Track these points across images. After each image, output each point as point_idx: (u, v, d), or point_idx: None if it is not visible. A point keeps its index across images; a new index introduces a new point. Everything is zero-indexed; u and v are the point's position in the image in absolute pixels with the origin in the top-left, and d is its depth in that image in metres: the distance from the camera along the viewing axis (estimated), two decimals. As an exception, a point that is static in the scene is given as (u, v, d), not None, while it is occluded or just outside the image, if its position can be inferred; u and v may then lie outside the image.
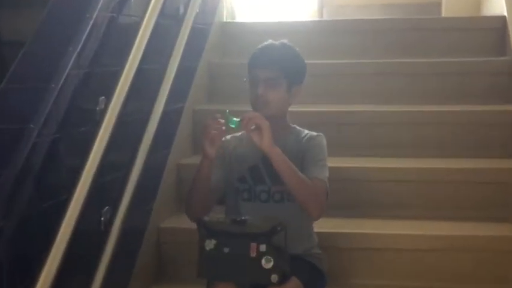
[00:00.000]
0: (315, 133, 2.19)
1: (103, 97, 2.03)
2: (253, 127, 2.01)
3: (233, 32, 3.40)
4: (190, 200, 2.13)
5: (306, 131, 2.20)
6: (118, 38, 2.17)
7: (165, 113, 2.42)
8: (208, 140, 2.03)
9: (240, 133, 2.22)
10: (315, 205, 2.07)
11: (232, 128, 2.03)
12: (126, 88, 2.05)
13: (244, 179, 2.17)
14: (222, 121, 2.02)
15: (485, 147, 2.79)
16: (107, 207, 2.10)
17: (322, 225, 2.26)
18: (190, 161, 2.73)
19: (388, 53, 3.24)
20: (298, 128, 2.22)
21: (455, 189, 2.60)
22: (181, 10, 2.68)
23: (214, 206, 2.16)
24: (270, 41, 2.19)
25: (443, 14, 4.31)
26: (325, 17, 4.82)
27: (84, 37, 1.92)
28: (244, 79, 2.15)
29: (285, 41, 2.20)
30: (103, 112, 1.98)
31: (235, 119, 2.01)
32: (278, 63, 2.12)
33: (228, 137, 2.20)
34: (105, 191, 2.07)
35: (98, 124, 1.94)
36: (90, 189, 1.84)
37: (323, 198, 2.09)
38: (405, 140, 2.84)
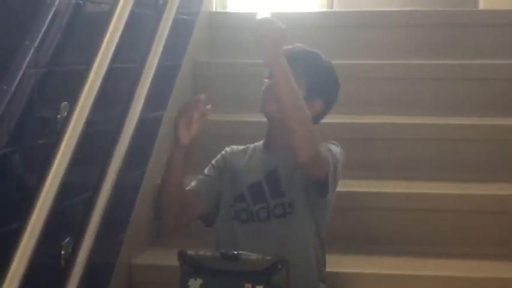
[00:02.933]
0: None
1: (65, 102, 2.03)
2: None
3: (224, 25, 3.42)
4: (162, 201, 2.21)
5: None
6: (85, 30, 2.17)
7: (140, 123, 2.41)
8: (184, 122, 2.09)
9: (242, 147, 2.29)
10: (308, 141, 2.05)
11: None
12: (94, 92, 2.04)
13: (243, 197, 2.22)
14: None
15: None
16: (68, 239, 2.09)
17: (340, 263, 2.31)
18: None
19: (411, 52, 3.27)
20: None
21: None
22: (162, -3, 2.68)
23: (197, 214, 2.24)
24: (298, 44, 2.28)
25: (482, 6, 4.34)
26: (336, 8, 4.84)
27: (43, 28, 1.92)
28: None
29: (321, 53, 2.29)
30: (65, 121, 1.97)
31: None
32: (303, 62, 2.20)
33: (228, 149, 2.30)
34: (66, 218, 2.06)
35: (59, 135, 1.93)
36: (49, 216, 1.83)
37: (316, 139, 2.09)
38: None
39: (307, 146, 2.05)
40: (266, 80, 2.23)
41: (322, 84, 2.25)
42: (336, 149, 2.25)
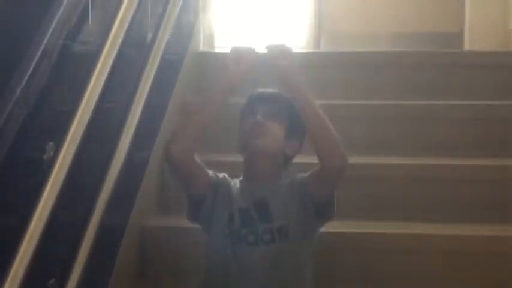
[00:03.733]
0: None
1: (52, 142, 2.01)
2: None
3: (211, 64, 3.41)
4: (186, 123, 2.30)
5: (299, 174, 2.34)
6: (72, 70, 2.16)
7: (127, 164, 2.40)
8: (233, 56, 2.26)
9: (237, 179, 2.35)
10: (338, 148, 2.20)
11: None
12: (81, 132, 2.03)
13: (232, 219, 2.26)
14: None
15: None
16: (52, 280, 2.06)
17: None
18: (158, 223, 2.70)
19: (397, 92, 3.27)
20: (291, 171, 2.36)
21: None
22: (149, 37, 2.69)
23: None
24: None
25: (467, 46, 4.38)
26: (323, 48, 4.87)
27: (31, 68, 1.91)
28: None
29: None
30: (51, 161, 1.96)
31: None
32: (283, 102, 2.30)
33: (221, 175, 2.36)
34: (51, 260, 2.04)
35: (44, 176, 1.92)
36: (33, 259, 1.80)
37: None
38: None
39: (340, 152, 2.20)
40: (248, 119, 2.29)
41: (300, 126, 2.30)
42: None
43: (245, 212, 2.28)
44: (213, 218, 2.31)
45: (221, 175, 2.37)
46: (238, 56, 2.26)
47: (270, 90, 2.36)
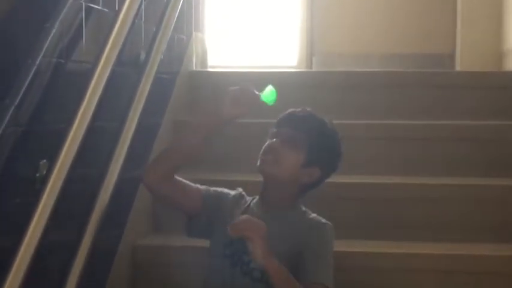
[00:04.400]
0: (323, 220, 2.24)
1: (44, 161, 2.01)
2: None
3: (204, 84, 3.43)
4: (161, 156, 2.27)
5: (313, 215, 2.26)
6: (65, 89, 2.16)
7: (120, 182, 2.39)
8: (230, 97, 2.12)
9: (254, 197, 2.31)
10: None
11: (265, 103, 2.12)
12: (74, 150, 2.02)
13: (232, 243, 2.21)
14: (257, 92, 2.11)
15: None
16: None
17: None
18: (151, 242, 2.69)
19: (388, 113, 3.28)
20: (304, 208, 2.28)
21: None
22: (143, 56, 2.69)
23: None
24: (307, 108, 2.30)
25: (459, 67, 4.40)
26: (315, 68, 4.88)
27: (24, 87, 1.91)
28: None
29: (328, 118, 2.30)
30: (44, 179, 1.95)
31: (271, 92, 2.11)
32: (306, 128, 2.21)
33: (240, 189, 2.34)
34: (42, 279, 2.02)
35: (37, 194, 1.91)
36: (25, 278, 1.79)
37: None
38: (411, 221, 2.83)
39: None
40: (269, 140, 2.25)
41: (323, 153, 2.24)
42: (330, 240, 2.23)
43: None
44: (213, 237, 2.28)
45: (233, 192, 2.34)
46: (238, 97, 2.15)
47: (299, 111, 2.28)
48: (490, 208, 2.84)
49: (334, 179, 2.85)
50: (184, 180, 2.28)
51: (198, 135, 2.22)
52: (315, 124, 2.26)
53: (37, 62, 1.97)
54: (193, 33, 3.59)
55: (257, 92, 2.16)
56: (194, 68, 3.58)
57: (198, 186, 2.32)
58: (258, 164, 2.24)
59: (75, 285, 2.11)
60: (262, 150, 2.24)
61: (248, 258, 2.18)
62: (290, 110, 2.30)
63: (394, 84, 3.41)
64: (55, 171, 1.97)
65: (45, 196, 1.91)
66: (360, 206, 2.85)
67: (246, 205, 2.31)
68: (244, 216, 2.13)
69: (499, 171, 3.02)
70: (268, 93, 2.16)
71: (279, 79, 3.42)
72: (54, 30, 2.08)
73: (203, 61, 3.80)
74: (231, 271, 2.22)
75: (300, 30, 5.08)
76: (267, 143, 2.24)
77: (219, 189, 2.35)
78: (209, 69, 3.85)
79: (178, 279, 2.62)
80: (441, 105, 3.33)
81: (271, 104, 2.16)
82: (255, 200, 2.32)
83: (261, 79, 3.38)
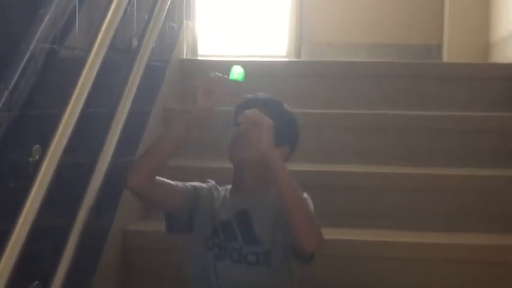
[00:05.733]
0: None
1: (38, 145, 2.02)
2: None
3: (194, 71, 3.43)
4: (145, 155, 2.24)
5: None
6: (58, 75, 2.16)
7: (111, 168, 2.40)
8: (203, 90, 2.14)
9: (226, 187, 2.33)
10: (313, 233, 2.12)
11: (235, 81, 2.15)
12: (67, 135, 2.03)
13: (216, 232, 2.23)
14: (226, 76, 2.14)
15: (500, 221, 2.82)
16: (36, 283, 2.06)
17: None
18: (140, 227, 2.70)
19: (376, 103, 3.30)
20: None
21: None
22: (135, 44, 2.69)
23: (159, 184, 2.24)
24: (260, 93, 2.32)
25: (446, 58, 4.42)
26: (304, 57, 4.89)
27: (18, 72, 1.91)
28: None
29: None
30: (37, 164, 1.95)
31: (238, 70, 2.14)
32: (270, 108, 2.22)
33: (212, 182, 2.35)
34: (35, 262, 2.03)
35: (30, 179, 1.91)
36: (18, 261, 1.80)
37: (319, 231, 2.14)
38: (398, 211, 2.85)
39: (313, 239, 2.12)
40: (233, 127, 2.26)
41: (288, 131, 2.27)
42: (310, 204, 2.24)
43: (226, 225, 2.24)
44: (195, 230, 2.29)
45: (207, 185, 2.35)
46: (208, 88, 2.17)
47: (259, 95, 2.32)
48: (472, 199, 2.86)
49: (327, 168, 2.89)
50: (165, 180, 2.27)
51: (180, 129, 2.24)
52: (276, 105, 2.29)
53: (31, 48, 1.97)
54: (184, 21, 3.59)
55: (225, 76, 2.19)
56: (185, 56, 3.59)
57: (178, 183, 2.31)
58: (229, 152, 2.26)
59: (67, 269, 2.13)
60: (230, 139, 2.26)
61: (239, 245, 2.21)
62: (246, 96, 2.32)
63: (382, 74, 3.42)
64: (48, 156, 1.97)
65: (38, 181, 1.92)
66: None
67: (221, 197, 2.32)
68: (252, 109, 2.16)
69: (484, 161, 3.04)
70: (235, 72, 2.20)
71: (269, 68, 3.46)
72: (47, 17, 2.08)
73: (193, 49, 3.81)
74: (213, 263, 2.23)
75: (289, 20, 5.08)
76: (233, 131, 2.25)
77: (195, 183, 2.35)
78: (199, 58, 3.86)
79: (167, 263, 2.65)
80: (426, 95, 3.35)
81: (242, 80, 2.19)
82: (228, 191, 2.33)
83: (251, 68, 3.41)
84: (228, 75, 2.20)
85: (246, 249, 2.20)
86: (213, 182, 2.37)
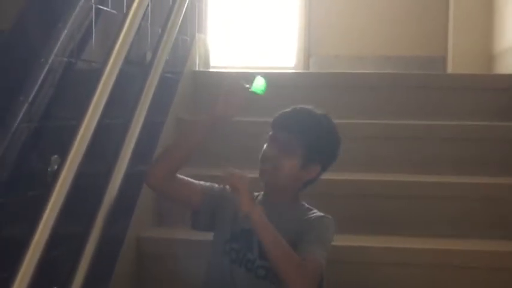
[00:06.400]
0: (323, 214, 2.22)
1: (56, 156, 2.03)
2: (228, 187, 2.09)
3: (206, 83, 3.44)
4: (163, 156, 2.27)
5: (314, 210, 2.24)
6: (76, 87, 2.18)
7: (127, 177, 2.41)
8: (225, 96, 2.13)
9: (256, 193, 2.28)
10: (302, 280, 2.04)
11: (257, 93, 2.10)
12: (85, 145, 2.04)
13: (236, 238, 2.21)
14: (247, 85, 2.10)
15: (507, 227, 2.83)
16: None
17: None
18: (154, 234, 2.71)
19: (383, 113, 3.31)
20: (307, 205, 2.27)
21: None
22: (149, 57, 2.71)
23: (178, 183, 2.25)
24: (301, 106, 2.26)
25: (450, 70, 4.42)
26: (312, 69, 4.91)
27: (37, 85, 1.93)
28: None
29: (322, 112, 2.26)
30: (56, 173, 1.96)
31: (260, 82, 2.09)
32: (303, 129, 2.17)
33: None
34: (54, 268, 2.04)
35: (49, 188, 1.93)
36: (38, 267, 1.81)
37: (313, 281, 2.08)
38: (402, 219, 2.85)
39: (303, 284, 2.05)
40: (266, 145, 2.23)
41: (322, 150, 2.22)
42: (330, 229, 2.20)
43: (247, 233, 2.18)
44: (215, 232, 2.29)
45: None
46: (229, 93, 2.16)
47: (294, 112, 2.24)
48: (479, 206, 2.86)
49: (333, 176, 2.89)
50: (185, 177, 2.28)
51: (197, 135, 2.24)
52: (311, 123, 2.22)
53: (49, 61, 1.99)
54: (197, 34, 3.61)
55: (246, 85, 2.16)
56: (197, 68, 3.61)
57: (201, 182, 2.32)
58: (259, 173, 2.23)
59: (84, 275, 2.13)
60: (260, 157, 2.22)
61: (253, 256, 2.19)
62: (285, 110, 2.26)
63: (389, 85, 3.43)
64: (66, 166, 1.99)
65: (56, 189, 1.93)
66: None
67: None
68: (229, 169, 2.12)
69: (487, 170, 3.04)
70: (257, 83, 2.15)
71: (278, 79, 3.46)
72: (65, 31, 2.10)
73: (206, 61, 3.83)
74: (230, 267, 2.21)
75: (298, 32, 5.10)
76: (264, 149, 2.22)
77: (217, 184, 2.34)
78: (211, 70, 3.88)
79: (180, 270, 2.65)
80: (432, 106, 3.35)
81: (262, 93, 2.15)
82: (258, 200, 2.29)
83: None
84: (250, 85, 2.16)
85: (258, 262, 2.18)
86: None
